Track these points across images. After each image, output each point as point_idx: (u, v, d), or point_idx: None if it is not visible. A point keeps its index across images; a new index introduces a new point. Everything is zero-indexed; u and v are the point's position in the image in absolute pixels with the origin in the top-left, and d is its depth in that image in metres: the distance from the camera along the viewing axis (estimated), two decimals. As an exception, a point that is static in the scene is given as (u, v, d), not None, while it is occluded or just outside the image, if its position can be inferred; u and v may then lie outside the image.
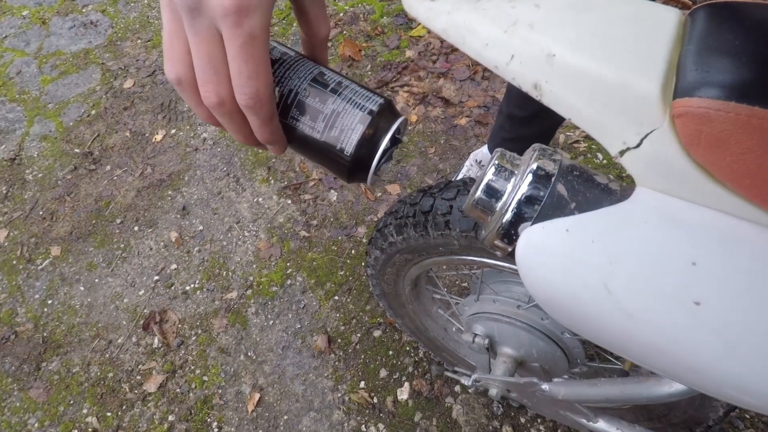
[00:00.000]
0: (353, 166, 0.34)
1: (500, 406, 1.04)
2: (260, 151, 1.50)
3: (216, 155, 1.51)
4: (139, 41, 1.82)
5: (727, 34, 0.31)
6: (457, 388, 1.07)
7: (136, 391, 1.15)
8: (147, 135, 1.57)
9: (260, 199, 1.41)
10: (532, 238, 0.33)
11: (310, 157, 0.36)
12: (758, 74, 0.28)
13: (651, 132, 0.31)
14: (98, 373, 1.18)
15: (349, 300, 1.21)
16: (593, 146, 1.38)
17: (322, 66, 0.36)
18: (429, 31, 1.73)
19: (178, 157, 1.52)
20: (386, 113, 0.35)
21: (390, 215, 0.69)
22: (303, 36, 0.36)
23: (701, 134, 0.29)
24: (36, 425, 1.12)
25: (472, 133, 1.45)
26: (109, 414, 1.12)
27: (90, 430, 1.10)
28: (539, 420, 1.01)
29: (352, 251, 1.28)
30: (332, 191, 1.39)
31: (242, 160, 1.49)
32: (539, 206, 0.33)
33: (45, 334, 1.24)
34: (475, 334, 0.72)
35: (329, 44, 1.72)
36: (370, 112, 0.33)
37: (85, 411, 1.13)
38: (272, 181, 1.44)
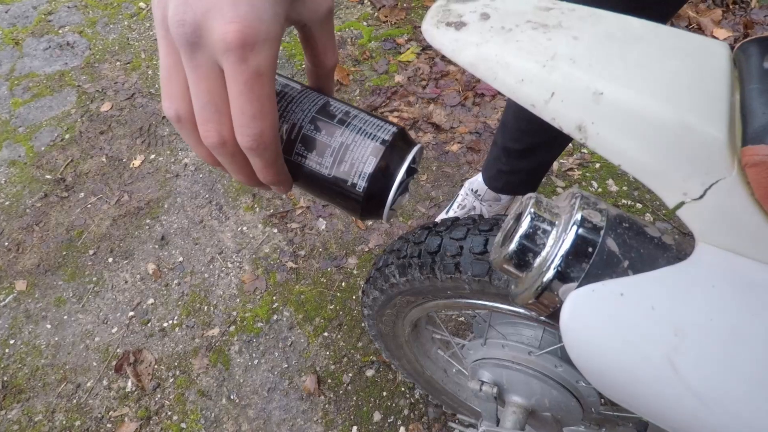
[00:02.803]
0: (367, 202, 0.31)
1: (503, 451, 0.97)
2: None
3: (198, 182, 1.44)
4: (118, 63, 1.76)
5: (793, 72, 0.28)
6: (457, 433, 1.00)
7: (105, 441, 1.05)
8: (124, 160, 1.50)
9: (245, 228, 1.34)
10: (580, 302, 0.28)
11: (319, 195, 0.32)
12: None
13: (716, 182, 0.27)
14: (64, 422, 1.07)
15: (339, 336, 1.15)
16: (587, 174, 1.36)
17: (326, 95, 0.32)
18: (418, 56, 1.72)
19: (158, 183, 1.45)
20: (400, 142, 0.31)
21: (391, 254, 0.64)
22: (308, 66, 0.33)
23: (779, 186, 0.25)
24: (-9, 482, 1.01)
25: (465, 160, 1.42)
26: (74, 468, 1.02)
27: (52, 486, 1.00)
28: (544, 466, 0.95)
29: (343, 283, 1.22)
30: (321, 219, 1.34)
31: (225, 187, 1.43)
32: (587, 264, 0.29)
33: (5, 379, 1.13)
34: (483, 382, 0.67)
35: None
36: (383, 142, 0.30)
37: (47, 465, 1.02)
38: (257, 209, 1.37)
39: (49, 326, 1.20)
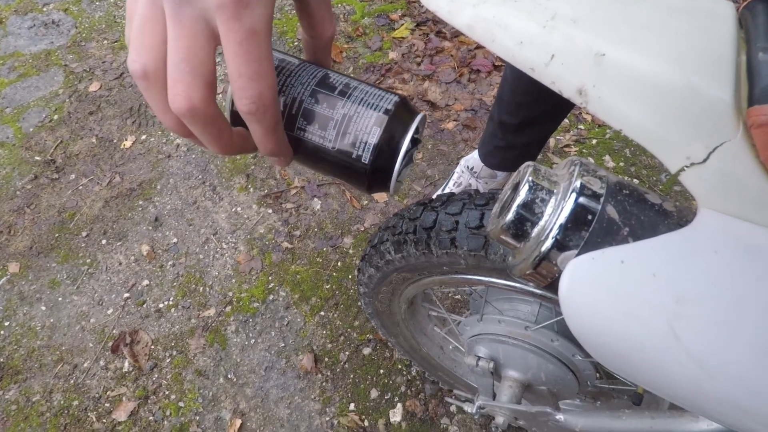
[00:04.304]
0: (373, 174, 0.30)
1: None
2: (238, 157, 1.42)
3: (190, 162, 1.42)
4: (105, 42, 1.71)
5: (802, 30, 0.27)
6: (453, 408, 1.01)
7: (104, 421, 1.05)
8: (115, 141, 1.47)
9: (239, 209, 1.33)
10: (579, 271, 0.28)
11: (323, 169, 0.32)
12: None
13: (721, 145, 0.26)
14: (61, 402, 1.07)
15: (336, 315, 1.15)
16: (584, 151, 1.35)
17: (324, 68, 0.32)
18: (412, 32, 1.68)
19: (150, 164, 1.42)
20: (403, 111, 0.31)
21: (386, 230, 0.63)
22: (305, 38, 0.32)
23: (786, 148, 0.24)
24: (-9, 462, 1.01)
25: (460, 138, 1.40)
26: (74, 447, 1.02)
27: (53, 465, 1.01)
28: (539, 439, 0.97)
29: (338, 263, 1.22)
30: (316, 199, 1.32)
31: (219, 168, 1.41)
32: (587, 232, 0.28)
33: (1, 360, 1.13)
34: (479, 357, 0.67)
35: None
36: (386, 112, 0.29)
37: (47, 444, 1.03)
38: (251, 190, 1.36)
39: (43, 308, 1.19)
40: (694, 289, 0.26)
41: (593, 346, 0.29)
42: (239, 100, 0.24)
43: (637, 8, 0.29)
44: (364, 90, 0.30)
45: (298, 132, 0.30)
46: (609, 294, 0.27)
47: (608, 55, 0.27)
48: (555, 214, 0.29)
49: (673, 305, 0.26)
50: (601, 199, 0.29)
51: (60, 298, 1.21)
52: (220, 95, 1.47)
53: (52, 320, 1.18)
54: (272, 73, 0.25)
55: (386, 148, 0.30)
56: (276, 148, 0.28)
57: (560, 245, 0.29)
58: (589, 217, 0.28)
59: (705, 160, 0.26)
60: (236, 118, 0.30)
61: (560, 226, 0.29)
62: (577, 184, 0.29)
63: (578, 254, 0.28)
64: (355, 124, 0.29)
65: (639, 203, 0.29)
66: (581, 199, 0.29)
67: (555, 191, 0.30)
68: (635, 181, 1.29)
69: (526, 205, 0.30)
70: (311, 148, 0.30)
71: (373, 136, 0.29)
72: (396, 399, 1.04)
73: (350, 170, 0.30)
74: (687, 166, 0.26)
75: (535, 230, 0.30)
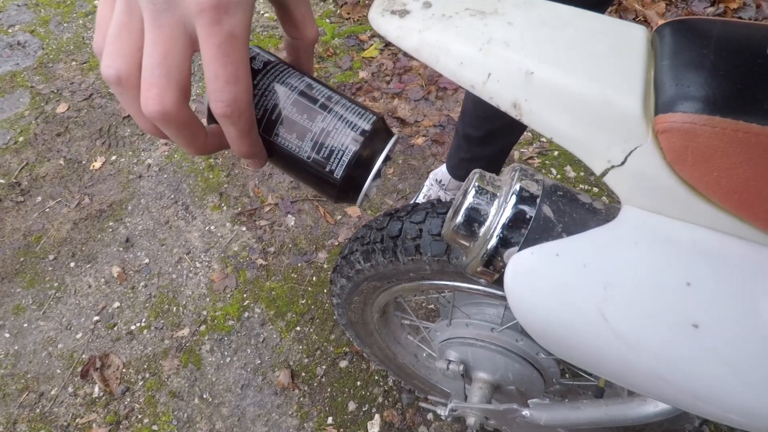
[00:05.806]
0: (343, 188, 0.32)
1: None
2: (210, 176, 1.42)
3: (162, 182, 1.42)
4: (73, 63, 1.70)
5: (699, 49, 0.31)
6: (430, 416, 1.03)
7: (74, 449, 1.02)
8: (84, 162, 1.46)
9: (212, 227, 1.33)
10: (520, 264, 0.31)
11: (295, 176, 0.33)
12: (737, 87, 0.28)
13: (635, 149, 0.30)
14: (28, 432, 1.04)
15: (312, 330, 1.15)
16: (547, 162, 1.41)
17: (308, 75, 0.33)
18: (381, 52, 1.74)
19: (120, 185, 1.41)
20: (380, 132, 0.32)
21: (356, 241, 0.65)
22: (288, 39, 0.33)
23: (687, 150, 0.28)
24: (-48, 499, 0.97)
25: (430, 153, 1.45)
26: (42, 477, 0.99)
27: (19, 498, 0.97)
28: (513, 442, 0.99)
29: (313, 278, 1.23)
30: (289, 216, 1.34)
31: (191, 187, 1.41)
32: (526, 230, 0.31)
33: (-37, 391, 1.09)
34: (449, 361, 0.69)
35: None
36: (363, 132, 0.31)
37: (12, 477, 0.99)
38: (225, 208, 1.36)
39: (7, 335, 1.16)
40: (618, 276, 0.29)
41: (536, 332, 0.32)
42: (214, 102, 0.25)
43: (562, 32, 0.33)
44: (344, 105, 0.31)
45: (275, 138, 0.31)
46: (546, 284, 0.30)
47: (536, 73, 0.30)
48: (498, 214, 0.32)
49: (601, 291, 0.29)
50: (538, 200, 0.32)
51: (25, 324, 1.18)
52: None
53: (16, 347, 1.15)
54: (248, 78, 0.26)
55: (359, 166, 0.31)
56: (249, 150, 0.29)
57: (504, 242, 0.32)
58: (528, 216, 0.32)
59: (623, 163, 0.30)
60: (213, 117, 0.31)
61: (503, 225, 0.32)
62: (517, 187, 0.33)
63: (519, 249, 0.31)
64: (332, 139, 0.30)
65: (571, 203, 0.33)
66: (520, 200, 0.32)
67: (498, 194, 0.34)
68: (595, 189, 1.36)
69: (474, 208, 0.33)
70: (286, 154, 0.31)
71: (348, 154, 0.30)
72: (374, 410, 1.05)
73: (321, 181, 0.32)
74: (608, 169, 0.30)
75: (482, 230, 0.33)
